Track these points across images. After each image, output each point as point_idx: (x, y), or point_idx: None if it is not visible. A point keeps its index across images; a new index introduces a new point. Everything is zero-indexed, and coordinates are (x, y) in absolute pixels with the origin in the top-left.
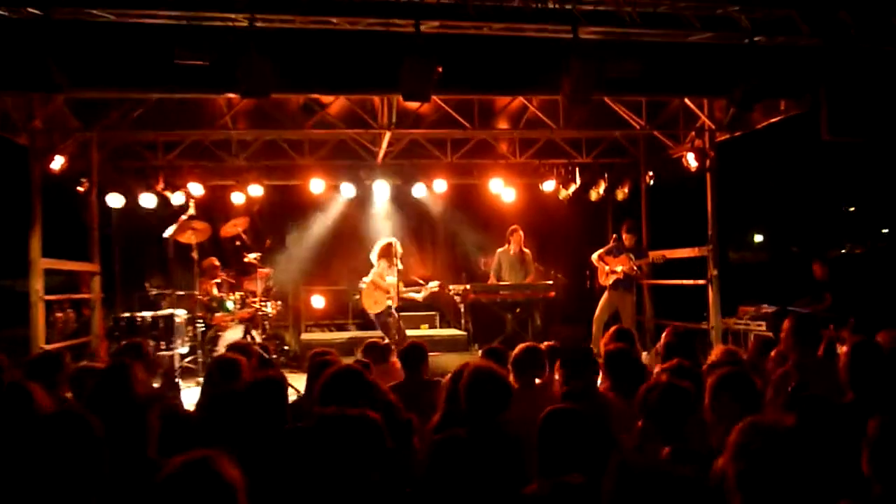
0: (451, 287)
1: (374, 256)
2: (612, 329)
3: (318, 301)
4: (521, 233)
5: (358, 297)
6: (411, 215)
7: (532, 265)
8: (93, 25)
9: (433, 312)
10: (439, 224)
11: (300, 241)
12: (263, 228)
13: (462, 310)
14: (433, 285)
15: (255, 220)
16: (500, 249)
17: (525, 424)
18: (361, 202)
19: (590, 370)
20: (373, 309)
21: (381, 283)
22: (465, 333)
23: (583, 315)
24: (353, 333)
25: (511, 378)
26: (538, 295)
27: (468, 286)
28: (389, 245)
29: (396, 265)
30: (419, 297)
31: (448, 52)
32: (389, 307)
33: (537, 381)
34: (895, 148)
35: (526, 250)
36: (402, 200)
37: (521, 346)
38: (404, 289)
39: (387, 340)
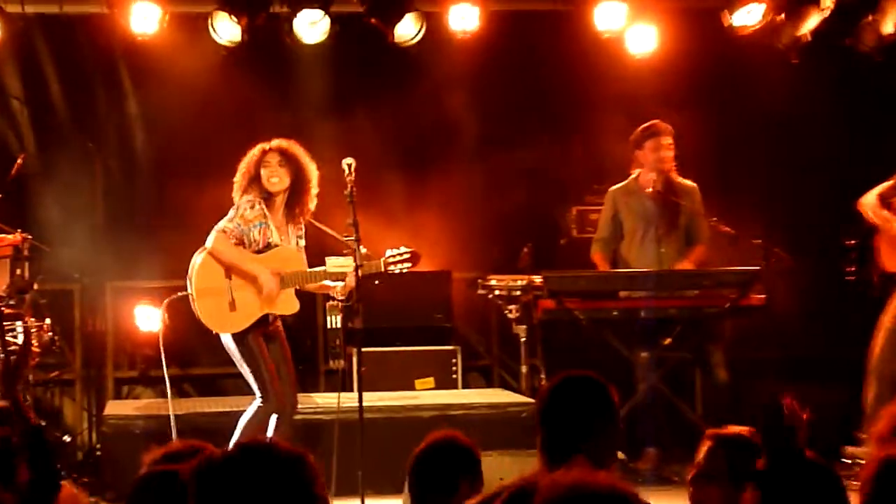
0: (492, 280)
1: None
2: None
3: (148, 317)
4: (666, 142)
5: (185, 294)
6: (390, 97)
7: (703, 222)
8: None
9: (450, 347)
10: (459, 117)
11: (105, 165)
12: (3, 132)
13: (522, 338)
14: (401, 255)
15: None
16: (616, 187)
17: None
18: (262, 62)
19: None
20: (219, 325)
21: (231, 258)
22: (530, 402)
23: (841, 352)
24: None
25: None
26: (720, 302)
27: (536, 278)
28: (263, 155)
29: (304, 221)
30: (334, 286)
31: None
32: (261, 324)
33: None
34: None
35: (687, 183)
36: (366, 57)
37: (707, 442)
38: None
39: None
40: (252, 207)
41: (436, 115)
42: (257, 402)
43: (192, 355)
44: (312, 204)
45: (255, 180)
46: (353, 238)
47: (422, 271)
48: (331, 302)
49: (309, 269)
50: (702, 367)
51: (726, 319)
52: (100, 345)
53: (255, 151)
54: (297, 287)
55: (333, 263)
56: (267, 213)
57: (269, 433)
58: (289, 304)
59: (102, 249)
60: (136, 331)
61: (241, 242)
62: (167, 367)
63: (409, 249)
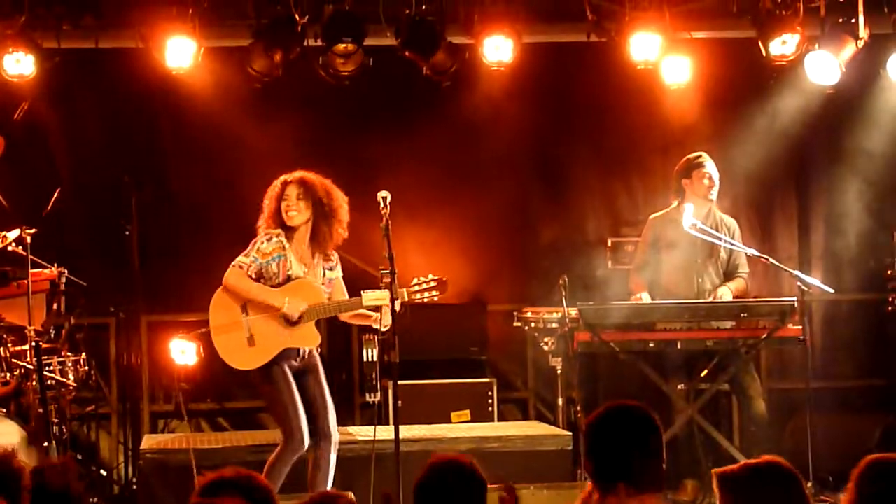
0: (527, 312)
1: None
2: None
3: (183, 351)
4: (712, 172)
5: (204, 332)
6: (424, 128)
7: (742, 256)
8: None
9: (485, 379)
10: (494, 149)
11: (140, 199)
12: (40, 165)
13: (558, 370)
14: (427, 284)
15: (21, 142)
16: (656, 214)
17: None
18: (297, 96)
19: None
20: (238, 362)
21: (247, 292)
22: (567, 435)
23: (880, 382)
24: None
25: None
26: (757, 333)
27: (572, 310)
28: (283, 188)
29: (328, 258)
30: (374, 316)
31: None
32: (286, 358)
33: None
34: None
35: (725, 219)
36: (400, 89)
37: (741, 467)
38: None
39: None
40: (269, 240)
41: (471, 146)
42: (281, 443)
43: (228, 389)
44: (340, 234)
45: (276, 213)
46: (388, 271)
47: (457, 304)
48: (367, 335)
49: (336, 300)
50: (739, 399)
51: (758, 351)
52: (136, 379)
53: (276, 184)
54: (318, 318)
55: (370, 297)
56: (287, 246)
57: (331, 468)
58: (308, 337)
59: (138, 283)
60: (172, 364)
61: (259, 276)
62: (203, 400)
63: (435, 277)
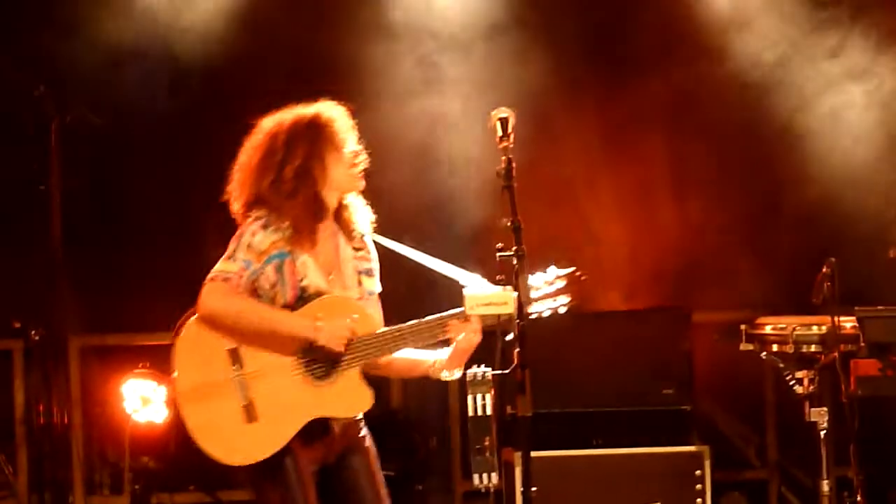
0: (766, 326)
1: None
2: None
3: (148, 401)
4: None
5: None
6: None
7: None
8: None
9: (691, 448)
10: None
11: (64, 157)
12: None
13: (822, 428)
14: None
15: None
16: None
17: None
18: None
19: None
20: (228, 451)
21: (246, 318)
22: None
23: None
24: None
25: None
26: None
27: (846, 321)
28: (332, 128)
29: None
30: (430, 362)
31: None
32: (313, 440)
33: None
34: None
35: None
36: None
37: None
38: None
39: None
40: (264, 227)
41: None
42: None
43: (225, 468)
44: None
45: (312, 185)
46: (510, 253)
47: (637, 311)
48: (473, 370)
49: (405, 325)
50: None
51: None
52: (61, 449)
53: (324, 119)
54: (371, 360)
55: (478, 300)
56: (292, 237)
57: None
58: (355, 398)
59: (62, 282)
60: (126, 423)
61: (252, 294)
62: (181, 488)
63: (564, 272)
